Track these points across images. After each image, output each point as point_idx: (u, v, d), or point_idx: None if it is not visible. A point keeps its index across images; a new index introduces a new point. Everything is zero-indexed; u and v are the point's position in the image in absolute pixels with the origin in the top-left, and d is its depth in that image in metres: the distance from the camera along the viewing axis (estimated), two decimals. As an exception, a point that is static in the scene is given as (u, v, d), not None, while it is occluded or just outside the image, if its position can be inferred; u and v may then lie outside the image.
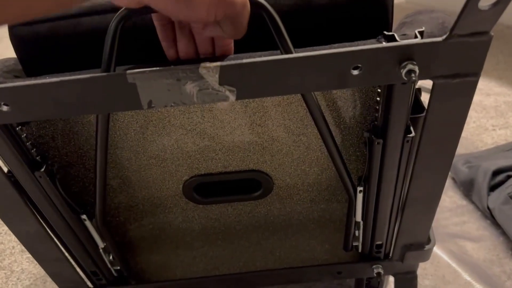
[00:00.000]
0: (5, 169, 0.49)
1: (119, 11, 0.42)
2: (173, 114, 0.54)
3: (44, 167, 0.50)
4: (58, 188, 0.53)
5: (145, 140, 0.57)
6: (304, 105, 0.53)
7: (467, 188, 0.98)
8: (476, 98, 1.35)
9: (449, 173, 1.04)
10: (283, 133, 0.57)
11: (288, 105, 0.54)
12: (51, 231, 0.57)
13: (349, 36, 0.50)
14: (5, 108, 0.41)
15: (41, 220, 0.55)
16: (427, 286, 0.80)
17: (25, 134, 0.48)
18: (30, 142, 0.49)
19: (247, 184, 0.64)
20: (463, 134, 1.18)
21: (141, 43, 0.52)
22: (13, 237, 1.05)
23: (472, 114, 1.27)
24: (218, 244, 0.72)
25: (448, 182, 1.03)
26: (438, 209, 0.95)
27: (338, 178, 0.62)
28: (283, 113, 0.55)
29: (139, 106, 0.42)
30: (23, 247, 1.02)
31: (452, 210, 0.95)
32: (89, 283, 0.66)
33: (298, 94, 0.52)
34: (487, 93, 1.38)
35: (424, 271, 0.82)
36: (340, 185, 0.63)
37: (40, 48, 0.52)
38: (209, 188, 0.64)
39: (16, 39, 0.52)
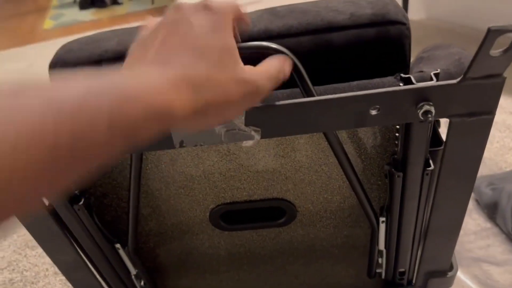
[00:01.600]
0: (46, 203, 0.53)
1: None
2: (201, 148, 0.57)
3: (83, 200, 0.54)
4: (94, 219, 0.56)
5: (175, 172, 0.60)
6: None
7: (491, 211, 0.97)
8: (499, 117, 1.35)
9: (473, 195, 1.04)
10: (306, 163, 0.59)
11: (310, 136, 0.56)
12: (87, 259, 0.61)
13: (368, 73, 0.52)
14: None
15: (78, 250, 0.58)
16: (452, 311, 0.80)
17: (65, 171, 0.52)
18: (70, 178, 0.53)
19: (271, 212, 0.66)
20: (487, 154, 1.17)
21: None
22: (47, 260, 1.09)
23: (495, 133, 1.27)
24: (244, 268, 0.74)
25: (472, 204, 1.03)
26: (462, 232, 0.95)
27: (360, 206, 0.63)
28: (305, 145, 0.57)
29: (172, 146, 0.46)
30: (56, 270, 1.06)
31: (476, 233, 0.95)
32: (122, 308, 0.69)
33: (320, 128, 0.55)
34: (511, 111, 1.38)
35: (449, 296, 0.82)
36: (362, 213, 0.64)
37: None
38: (234, 215, 0.66)
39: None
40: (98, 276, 0.62)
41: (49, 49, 3.08)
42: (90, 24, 3.59)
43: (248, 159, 0.59)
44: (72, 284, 0.63)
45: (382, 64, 0.52)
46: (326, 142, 0.57)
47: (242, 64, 0.35)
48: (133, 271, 0.64)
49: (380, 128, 0.55)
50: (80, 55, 0.56)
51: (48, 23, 3.80)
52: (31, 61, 2.77)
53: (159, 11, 3.63)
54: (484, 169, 1.11)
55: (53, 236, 0.55)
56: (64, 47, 0.58)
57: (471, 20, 2.15)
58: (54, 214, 0.53)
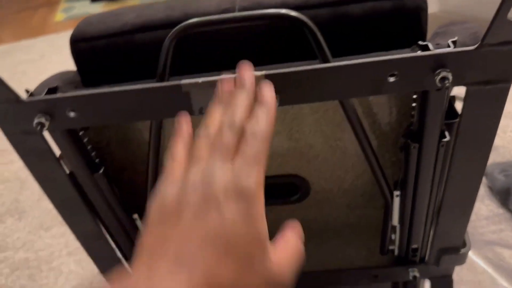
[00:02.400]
0: (67, 171, 0.54)
1: (173, 30, 0.46)
2: (217, 121, 0.58)
3: (102, 169, 0.55)
4: (114, 189, 0.57)
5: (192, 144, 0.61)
6: (341, 111, 0.56)
7: (503, 197, 0.97)
8: (512, 106, 1.34)
9: (486, 181, 1.04)
10: (320, 139, 0.60)
11: (324, 111, 0.57)
12: (105, 229, 0.62)
13: (384, 46, 0.53)
14: (72, 114, 0.46)
15: (97, 219, 0.60)
16: (464, 292, 0.81)
17: (86, 139, 0.53)
18: (90, 146, 0.54)
19: (285, 189, 0.67)
20: (500, 142, 1.17)
21: (190, 54, 0.56)
22: (61, 240, 1.11)
23: (509, 123, 1.26)
24: (257, 246, 0.75)
25: (485, 191, 1.03)
26: (475, 217, 0.95)
27: (374, 184, 0.64)
28: (320, 120, 0.58)
29: (191, 112, 0.46)
30: (70, 250, 1.08)
31: (488, 218, 0.95)
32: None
33: (335, 101, 0.55)
34: (524, 101, 1.37)
35: (461, 278, 0.82)
36: (376, 191, 0.65)
37: (98, 61, 0.57)
38: (249, 192, 0.67)
39: (77, 53, 0.58)
40: (115, 247, 0.64)
41: (60, 41, 3.11)
42: (102, 17, 3.61)
43: (264, 134, 0.60)
44: (89, 254, 0.64)
45: (399, 36, 0.53)
46: (341, 117, 0.57)
47: (270, 252, 0.30)
48: (149, 243, 0.66)
49: (396, 102, 0.55)
50: (100, 28, 0.57)
51: (60, 16, 3.84)
52: (42, 52, 2.80)
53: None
54: (497, 157, 1.11)
55: (73, 205, 0.56)
56: (84, 21, 0.59)
57: (484, 13, 2.13)
58: (74, 182, 0.55)
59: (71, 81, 0.60)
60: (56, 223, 1.17)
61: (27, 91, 0.48)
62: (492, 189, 1.03)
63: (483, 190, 1.03)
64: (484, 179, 1.06)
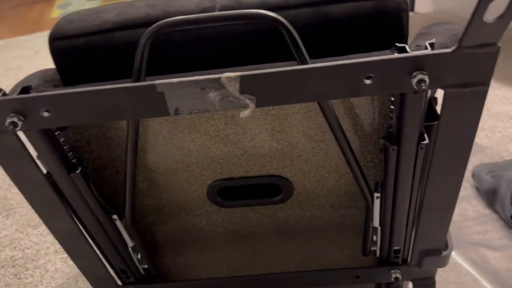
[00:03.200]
0: (44, 171, 0.54)
1: (149, 28, 0.46)
2: (198, 121, 0.58)
3: (80, 169, 0.54)
4: (92, 189, 0.57)
5: (173, 146, 0.60)
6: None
7: (490, 197, 0.97)
8: (503, 107, 1.34)
9: (473, 182, 1.04)
10: (303, 140, 0.60)
11: (307, 112, 0.57)
12: (84, 230, 0.61)
13: (366, 47, 0.52)
14: (46, 114, 0.46)
15: (75, 220, 0.59)
16: (448, 293, 0.81)
17: (62, 139, 0.53)
18: (67, 146, 0.54)
19: (268, 189, 0.66)
20: (488, 143, 1.17)
21: (165, 55, 0.55)
22: (48, 238, 1.10)
23: (498, 124, 1.26)
24: (240, 246, 0.75)
25: (472, 191, 1.03)
26: (461, 218, 0.95)
27: (356, 184, 0.63)
28: (302, 120, 0.58)
29: (167, 113, 0.46)
30: (57, 248, 1.07)
31: (475, 219, 0.95)
32: (118, 281, 0.70)
33: (315, 102, 0.55)
34: (515, 102, 1.37)
35: (445, 279, 0.82)
36: (358, 191, 0.64)
37: (76, 59, 0.57)
38: (231, 192, 0.67)
39: (56, 51, 0.57)
40: (94, 247, 0.63)
41: (56, 36, 3.06)
42: (97, 13, 3.60)
43: (245, 134, 0.59)
44: (69, 255, 0.63)
45: (380, 37, 0.52)
46: (322, 119, 0.57)
47: None
48: (130, 243, 0.65)
49: (377, 104, 0.55)
50: (80, 26, 0.56)
51: (56, 12, 3.82)
52: (38, 48, 2.79)
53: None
54: (485, 158, 1.11)
55: (51, 204, 0.56)
56: (64, 18, 0.59)
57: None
58: (51, 182, 0.54)
59: (52, 79, 0.60)
60: (43, 220, 1.17)
61: (0, 90, 0.48)
62: (479, 190, 1.02)
63: (470, 191, 1.02)
64: (471, 180, 1.06)
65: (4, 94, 0.46)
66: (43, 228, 1.15)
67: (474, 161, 1.09)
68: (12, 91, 0.51)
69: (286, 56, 0.53)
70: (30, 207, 1.23)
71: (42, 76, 0.60)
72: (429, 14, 2.30)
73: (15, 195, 1.29)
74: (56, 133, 0.52)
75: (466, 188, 1.02)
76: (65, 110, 0.46)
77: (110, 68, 0.56)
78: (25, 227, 1.15)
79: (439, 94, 0.51)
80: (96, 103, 0.45)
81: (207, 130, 0.59)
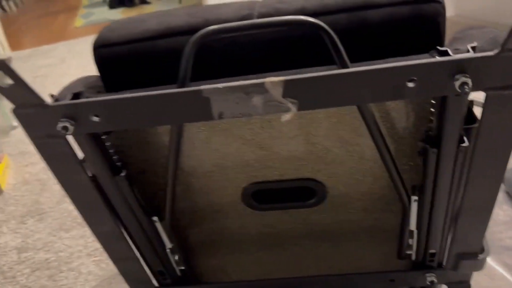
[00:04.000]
0: (90, 174, 0.56)
1: (194, 36, 0.47)
2: (235, 125, 0.59)
3: (124, 172, 0.56)
4: (134, 191, 0.58)
5: (209, 149, 0.62)
6: (358, 116, 0.56)
7: (522, 202, 0.96)
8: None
9: (503, 187, 1.03)
10: (338, 143, 0.60)
11: (342, 116, 0.57)
12: (125, 232, 0.63)
13: (402, 51, 0.53)
14: (95, 119, 0.48)
15: (117, 222, 0.61)
16: (482, 299, 0.80)
17: (109, 143, 0.55)
18: (112, 150, 0.56)
19: (301, 192, 0.67)
20: (518, 147, 1.15)
21: (203, 61, 0.57)
22: (80, 242, 1.13)
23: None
24: (273, 249, 0.75)
25: (503, 197, 1.02)
26: (493, 223, 0.94)
27: (391, 188, 0.64)
28: (337, 124, 0.58)
29: (211, 117, 0.47)
30: (89, 251, 1.10)
31: (507, 224, 0.94)
32: (155, 282, 0.72)
33: (353, 107, 0.56)
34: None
35: (478, 283, 0.81)
36: (393, 195, 0.65)
37: (119, 66, 0.59)
38: (266, 195, 0.68)
39: (99, 59, 0.59)
40: (134, 248, 0.65)
41: (80, 46, 3.15)
42: (119, 22, 3.67)
43: (281, 138, 0.60)
44: (110, 256, 0.65)
45: (417, 41, 0.53)
46: (358, 122, 0.58)
47: None
48: (168, 245, 0.67)
49: (413, 107, 0.55)
50: (122, 34, 0.58)
51: (79, 21, 3.91)
52: (63, 57, 2.86)
53: (186, 9, 3.67)
54: (516, 162, 1.10)
55: (95, 206, 0.58)
56: (107, 27, 0.61)
57: (501, 17, 2.11)
58: (96, 184, 0.56)
59: (94, 85, 0.62)
60: (75, 225, 1.19)
61: (52, 96, 0.50)
62: (510, 194, 1.01)
63: (500, 196, 1.02)
64: (502, 185, 1.05)
65: (56, 100, 0.48)
66: (75, 231, 1.17)
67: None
68: (60, 97, 0.53)
69: (319, 60, 0.54)
70: (62, 212, 1.26)
71: (85, 83, 0.62)
72: (451, 18, 2.28)
73: (47, 200, 1.32)
74: (103, 137, 0.54)
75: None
76: (114, 115, 0.47)
77: (151, 74, 0.58)
78: (58, 231, 1.18)
79: (473, 97, 0.52)
80: (143, 109, 0.47)
81: (243, 134, 0.60)
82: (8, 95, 0.46)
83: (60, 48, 3.09)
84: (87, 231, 1.16)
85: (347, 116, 0.57)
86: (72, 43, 3.16)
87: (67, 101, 0.47)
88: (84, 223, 1.19)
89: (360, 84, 0.44)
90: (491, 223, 0.91)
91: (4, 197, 1.39)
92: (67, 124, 0.47)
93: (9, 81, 0.45)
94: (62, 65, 2.68)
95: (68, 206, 1.28)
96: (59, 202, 1.30)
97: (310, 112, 0.57)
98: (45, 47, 3.21)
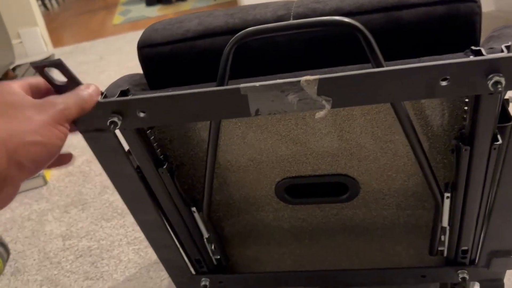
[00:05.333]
0: (135, 166, 0.59)
1: (234, 37, 0.50)
2: (271, 121, 0.61)
3: (166, 164, 0.60)
4: (175, 183, 0.62)
5: (245, 145, 0.64)
6: (392, 113, 0.57)
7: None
8: None
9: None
10: (371, 140, 0.62)
11: (376, 113, 0.59)
12: (166, 221, 0.67)
13: (437, 50, 0.54)
14: (142, 114, 0.51)
15: (159, 211, 0.65)
16: (516, 298, 0.79)
17: (152, 137, 0.58)
18: (155, 143, 0.59)
19: (334, 187, 0.69)
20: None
21: (241, 60, 0.59)
22: (120, 231, 1.19)
23: None
24: (305, 243, 0.78)
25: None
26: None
27: (424, 185, 0.65)
28: (371, 121, 0.60)
29: (248, 113, 0.50)
30: (129, 240, 1.15)
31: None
32: (192, 270, 0.75)
33: (387, 104, 0.57)
34: None
35: (513, 283, 0.81)
36: (426, 192, 0.65)
37: (162, 65, 0.62)
38: (299, 189, 0.70)
39: (144, 58, 0.63)
40: (174, 237, 0.68)
41: (118, 42, 3.25)
42: (156, 19, 3.77)
43: (314, 134, 0.62)
44: (151, 244, 0.69)
45: (452, 41, 0.54)
46: (393, 119, 0.59)
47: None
48: (205, 234, 0.70)
49: (447, 105, 0.56)
50: (165, 34, 0.62)
51: (117, 19, 4.03)
52: (101, 53, 2.96)
53: (221, 6, 3.73)
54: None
55: (139, 197, 0.61)
56: (150, 28, 0.64)
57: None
58: (141, 176, 0.60)
59: (138, 83, 0.66)
60: (116, 215, 1.25)
61: (102, 93, 0.54)
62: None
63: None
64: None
65: (105, 96, 0.52)
66: (115, 221, 1.23)
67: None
68: (108, 94, 0.57)
69: (355, 59, 0.56)
70: (103, 202, 1.32)
71: (130, 81, 0.66)
72: (491, 13, 2.22)
73: (89, 191, 1.39)
74: (147, 131, 0.57)
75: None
76: (159, 111, 0.51)
77: (192, 73, 0.61)
78: (99, 220, 1.25)
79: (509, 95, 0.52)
80: (186, 105, 0.50)
81: (278, 130, 0.62)
82: (61, 92, 0.49)
83: (99, 45, 3.20)
84: (127, 221, 1.22)
85: (381, 114, 0.59)
86: (110, 40, 3.26)
87: (116, 98, 0.51)
88: (124, 213, 1.25)
89: (393, 83, 0.45)
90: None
91: (49, 187, 1.46)
92: (116, 119, 0.51)
93: (63, 78, 0.49)
94: (101, 62, 2.78)
95: (109, 197, 1.34)
96: (101, 193, 1.36)
97: (344, 109, 0.59)
98: (85, 44, 3.33)
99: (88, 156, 1.55)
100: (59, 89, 0.49)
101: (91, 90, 0.47)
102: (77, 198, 1.37)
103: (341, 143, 0.63)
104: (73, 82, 0.49)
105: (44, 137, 0.39)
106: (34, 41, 3.24)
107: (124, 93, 0.52)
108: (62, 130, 0.41)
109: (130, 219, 1.22)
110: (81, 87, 0.47)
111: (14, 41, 3.09)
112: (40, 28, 3.27)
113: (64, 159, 0.50)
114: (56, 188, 1.45)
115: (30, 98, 0.42)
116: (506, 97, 0.56)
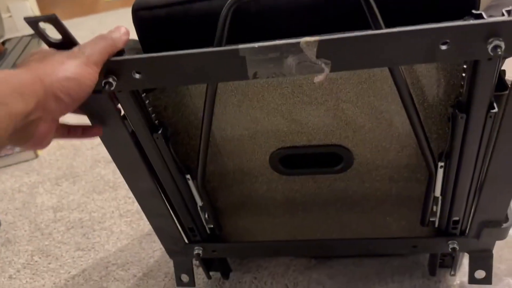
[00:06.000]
0: (129, 130, 0.59)
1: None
2: (267, 89, 0.61)
3: (161, 130, 0.59)
4: (170, 149, 0.62)
5: (241, 113, 0.64)
6: (389, 82, 0.57)
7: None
8: None
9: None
10: (367, 110, 0.62)
11: (373, 82, 0.58)
12: (160, 188, 0.67)
13: (436, 18, 0.53)
14: (137, 76, 0.50)
15: (153, 178, 0.64)
16: (503, 270, 0.81)
17: (148, 101, 0.58)
18: (151, 108, 0.59)
19: (329, 159, 0.69)
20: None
21: (240, 24, 0.59)
22: (112, 203, 1.18)
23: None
24: (298, 214, 0.78)
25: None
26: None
27: (418, 156, 0.65)
28: (368, 90, 0.60)
29: (246, 76, 0.49)
30: (121, 212, 1.15)
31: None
32: (185, 239, 0.76)
33: (384, 72, 0.56)
34: None
35: (501, 256, 0.82)
36: (419, 163, 0.66)
37: (158, 29, 0.61)
38: (293, 160, 0.70)
39: (139, 21, 0.61)
40: (168, 206, 0.68)
41: (110, 18, 3.18)
42: (148, -4, 3.69)
43: (311, 103, 0.62)
44: (145, 212, 0.69)
45: (452, 10, 0.53)
46: (389, 89, 0.59)
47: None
48: (199, 203, 0.70)
49: (444, 74, 0.56)
50: (161, -3, 0.60)
51: (109, -5, 3.94)
52: (94, 29, 2.91)
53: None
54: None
55: (133, 162, 0.61)
56: (146, -9, 0.63)
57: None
58: (135, 140, 0.59)
59: (133, 48, 0.65)
60: (107, 188, 1.24)
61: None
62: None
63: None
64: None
65: (101, 57, 0.51)
66: (107, 194, 1.23)
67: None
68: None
69: (355, 26, 0.55)
70: (95, 175, 1.32)
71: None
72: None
73: (80, 164, 1.38)
74: (143, 95, 0.57)
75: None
76: (155, 72, 0.50)
77: (189, 37, 0.60)
78: (91, 193, 1.24)
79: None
80: (183, 66, 0.49)
81: (274, 99, 0.62)
82: (55, 48, 0.48)
83: (91, 21, 3.14)
84: (119, 194, 1.22)
85: (378, 83, 0.58)
86: (102, 16, 3.21)
87: (111, 57, 0.50)
88: (116, 186, 1.24)
89: (393, 46, 0.45)
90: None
91: (39, 160, 1.45)
92: (111, 80, 0.50)
93: (58, 36, 0.48)
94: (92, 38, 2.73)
95: (101, 170, 1.33)
96: (92, 167, 1.36)
97: (341, 77, 0.59)
98: (76, 20, 3.27)
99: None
100: (55, 47, 0.48)
101: (121, 32, 0.51)
102: (68, 171, 1.36)
103: (337, 112, 0.63)
104: (67, 40, 0.48)
105: (76, 74, 0.44)
106: (24, 15, 3.17)
107: (119, 53, 0.51)
108: (91, 71, 0.46)
109: (122, 192, 1.21)
110: (111, 31, 0.51)
111: (4, 15, 3.03)
112: (30, 2, 3.20)
113: (94, 130, 0.56)
114: (47, 161, 1.44)
115: (60, 51, 0.47)
116: (503, 68, 0.56)
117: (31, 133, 0.45)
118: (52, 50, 0.49)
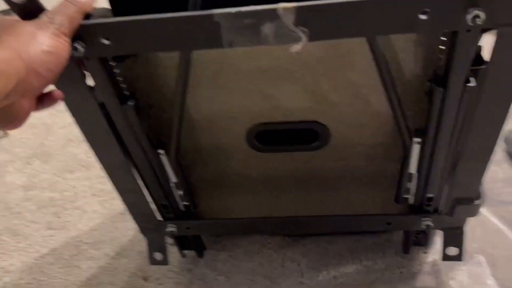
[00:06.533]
0: (99, 101, 0.56)
1: None
2: (244, 61, 0.59)
3: (132, 101, 0.57)
4: (141, 123, 0.59)
5: (216, 86, 0.62)
6: (368, 56, 0.56)
7: (522, 162, 0.97)
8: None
9: (504, 147, 1.04)
10: (345, 84, 0.61)
11: (352, 55, 0.57)
12: (132, 163, 0.64)
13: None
14: (105, 41, 0.48)
15: (124, 152, 0.62)
16: (475, 248, 0.82)
17: (118, 70, 0.55)
18: (121, 78, 0.56)
19: (306, 135, 0.68)
20: (523, 109, 1.15)
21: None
22: (85, 183, 1.15)
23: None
24: (274, 192, 0.77)
25: (503, 156, 1.03)
26: (491, 180, 0.96)
27: (394, 134, 0.64)
28: (346, 65, 0.58)
29: (221, 45, 0.47)
30: (94, 191, 1.12)
31: (505, 181, 0.96)
32: (159, 216, 0.74)
33: (363, 46, 0.55)
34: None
35: (473, 234, 0.84)
36: (396, 141, 0.65)
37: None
38: (270, 137, 0.69)
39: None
40: (139, 180, 0.66)
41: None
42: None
43: (288, 77, 0.61)
44: (116, 187, 0.67)
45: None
46: (367, 64, 0.58)
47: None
48: (173, 179, 0.68)
49: (422, 49, 0.55)
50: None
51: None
52: None
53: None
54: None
55: (102, 134, 0.59)
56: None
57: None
58: (105, 112, 0.57)
59: (102, 15, 0.62)
60: (80, 167, 1.21)
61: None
62: (510, 155, 1.03)
63: (500, 155, 1.03)
64: (503, 144, 1.05)
65: (67, 21, 0.48)
66: (80, 173, 1.19)
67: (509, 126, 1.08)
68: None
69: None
70: (67, 155, 1.28)
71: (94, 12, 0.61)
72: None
73: (52, 143, 1.34)
74: (113, 64, 0.54)
75: (497, 152, 1.02)
76: (124, 38, 0.48)
77: (163, 4, 0.57)
78: (63, 172, 1.20)
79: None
80: (153, 32, 0.47)
81: (251, 72, 0.60)
82: (20, 13, 0.46)
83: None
84: (92, 173, 1.18)
85: (357, 56, 0.57)
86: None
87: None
88: (89, 165, 1.21)
89: (372, 14, 0.43)
90: (490, 180, 0.92)
91: (9, 139, 1.40)
92: (78, 45, 0.47)
93: (21, -3, 0.45)
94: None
95: (73, 149, 1.29)
96: (64, 146, 1.31)
97: (319, 51, 0.57)
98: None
99: (51, 109, 1.49)
100: (19, 14, 0.46)
101: None
102: (40, 150, 1.32)
103: (315, 87, 0.61)
104: (33, 3, 0.45)
105: (52, 47, 0.42)
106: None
107: (86, 17, 0.48)
108: (64, 42, 0.44)
109: (95, 171, 1.18)
110: None
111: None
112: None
113: (55, 94, 0.52)
114: (18, 140, 1.39)
115: (26, 21, 0.45)
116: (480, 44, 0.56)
117: (13, 114, 0.43)
118: (16, 19, 0.45)
